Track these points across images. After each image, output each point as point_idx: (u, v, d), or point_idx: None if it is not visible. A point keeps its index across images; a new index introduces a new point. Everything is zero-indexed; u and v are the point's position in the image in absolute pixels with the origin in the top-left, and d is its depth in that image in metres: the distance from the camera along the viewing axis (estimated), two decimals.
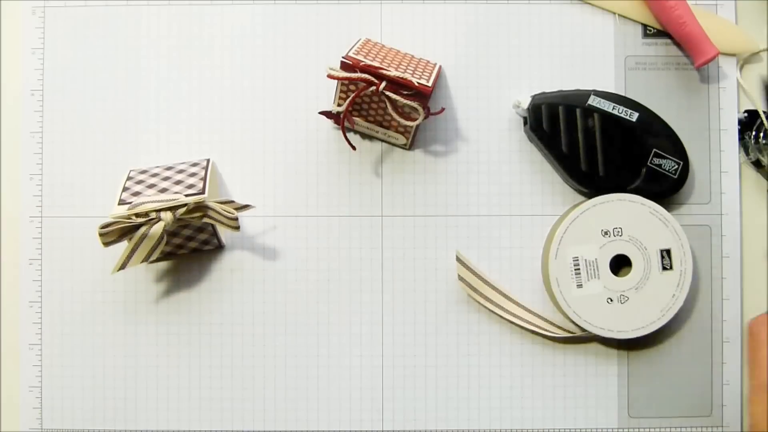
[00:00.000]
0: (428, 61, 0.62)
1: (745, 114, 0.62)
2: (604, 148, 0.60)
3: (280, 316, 0.62)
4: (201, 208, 0.55)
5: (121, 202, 0.56)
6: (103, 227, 0.53)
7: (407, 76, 0.55)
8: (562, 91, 0.61)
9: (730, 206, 0.63)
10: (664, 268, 0.60)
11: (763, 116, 0.62)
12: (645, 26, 0.63)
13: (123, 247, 0.55)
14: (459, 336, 0.62)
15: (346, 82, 0.57)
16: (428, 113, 0.57)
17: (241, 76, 0.63)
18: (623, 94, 0.63)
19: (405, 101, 0.55)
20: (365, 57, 0.56)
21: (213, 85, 0.63)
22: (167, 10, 0.64)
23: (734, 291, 0.63)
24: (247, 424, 0.62)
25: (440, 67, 0.62)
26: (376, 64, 0.55)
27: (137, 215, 0.54)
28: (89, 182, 0.63)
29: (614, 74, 0.63)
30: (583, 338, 0.62)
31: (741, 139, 0.63)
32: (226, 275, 0.63)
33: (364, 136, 0.63)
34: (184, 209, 0.54)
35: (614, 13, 0.63)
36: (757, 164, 0.63)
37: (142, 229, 0.54)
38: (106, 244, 0.54)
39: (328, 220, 0.63)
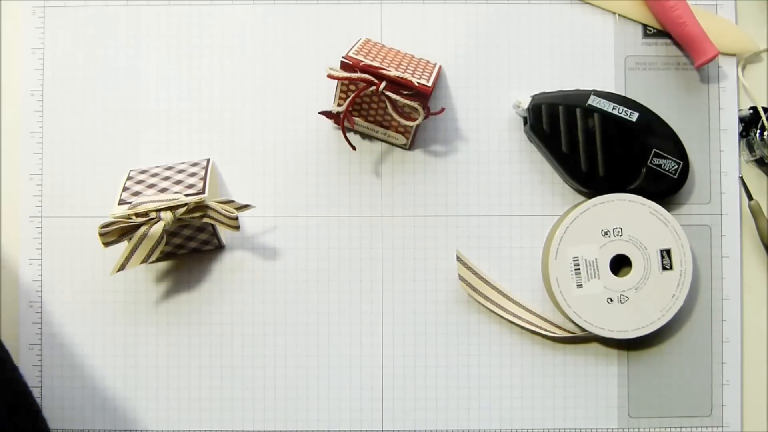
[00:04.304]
0: (428, 61, 0.62)
1: (750, 111, 0.62)
2: (604, 148, 0.60)
3: (280, 316, 0.62)
4: (201, 208, 0.55)
5: (121, 202, 0.56)
6: (103, 227, 0.53)
7: (407, 76, 0.55)
8: (562, 91, 0.61)
9: (730, 206, 0.63)
10: (664, 268, 0.59)
11: (764, 116, 0.62)
12: (645, 26, 0.63)
13: (123, 247, 0.55)
14: (459, 336, 0.62)
15: (346, 82, 0.57)
16: (428, 113, 0.57)
17: (241, 76, 0.63)
18: (623, 94, 0.63)
19: (405, 101, 0.55)
20: (365, 57, 0.56)
21: (213, 85, 0.63)
22: (167, 10, 0.63)
23: (734, 291, 0.63)
24: (247, 424, 0.62)
25: (440, 67, 0.62)
26: (376, 64, 0.55)
27: (137, 215, 0.54)
28: (89, 182, 0.63)
29: (614, 74, 0.63)
30: (583, 338, 0.62)
31: (745, 136, 0.63)
32: (226, 275, 0.63)
33: (364, 136, 0.63)
34: (184, 209, 0.54)
35: (614, 13, 0.63)
36: (761, 162, 0.63)
37: (142, 229, 0.54)
38: (106, 244, 0.54)
39: (328, 220, 0.63)
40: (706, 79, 0.63)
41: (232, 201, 0.57)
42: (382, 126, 0.61)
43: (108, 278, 0.62)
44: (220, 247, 0.62)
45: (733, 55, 0.63)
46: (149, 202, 0.55)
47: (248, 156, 0.63)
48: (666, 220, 0.60)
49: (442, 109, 0.59)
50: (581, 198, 0.63)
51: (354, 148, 0.60)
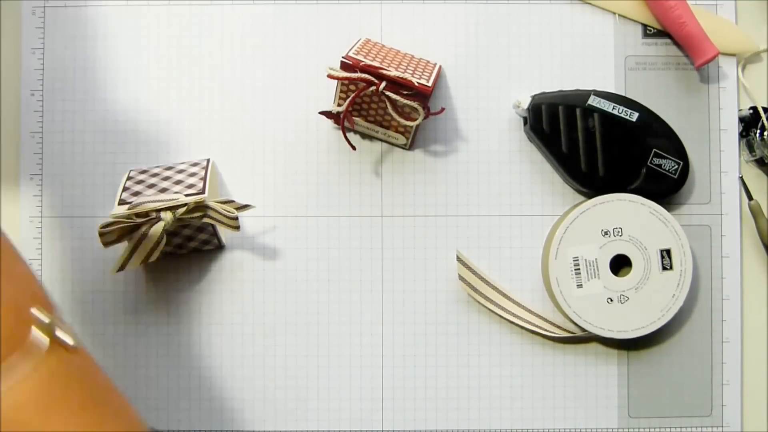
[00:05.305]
0: (428, 61, 0.62)
1: (750, 111, 0.62)
2: (604, 148, 0.60)
3: (280, 316, 0.62)
4: (201, 208, 0.55)
5: (121, 202, 0.56)
6: (103, 227, 0.53)
7: (407, 76, 0.55)
8: (562, 91, 0.61)
9: (730, 206, 0.63)
10: (664, 268, 0.59)
11: (764, 116, 0.62)
12: (645, 26, 0.63)
13: (123, 247, 0.55)
14: (459, 336, 0.62)
15: (346, 82, 0.57)
16: (428, 113, 0.57)
17: (241, 76, 0.63)
18: (623, 94, 0.63)
19: (405, 101, 0.55)
20: (365, 57, 0.56)
21: (213, 85, 0.63)
22: (167, 10, 0.63)
23: (734, 291, 0.63)
24: (247, 424, 0.62)
25: (440, 67, 0.61)
26: (376, 64, 0.55)
27: (137, 215, 0.54)
28: (89, 182, 0.63)
29: (614, 74, 0.63)
30: (583, 338, 0.62)
31: (745, 136, 0.63)
32: (226, 275, 0.63)
33: (364, 136, 0.63)
34: (184, 209, 0.54)
35: (614, 13, 0.63)
36: (761, 162, 0.63)
37: (142, 229, 0.54)
38: (106, 244, 0.54)
39: (328, 220, 0.63)
40: (706, 79, 0.63)
41: (232, 201, 0.57)
42: (382, 126, 0.61)
43: (108, 278, 0.62)
44: (220, 247, 0.62)
45: (733, 55, 0.63)
46: (149, 202, 0.55)
47: (248, 156, 0.63)
48: (666, 220, 0.60)
49: (442, 109, 0.59)
50: (581, 198, 0.63)
51: (354, 148, 0.60)
